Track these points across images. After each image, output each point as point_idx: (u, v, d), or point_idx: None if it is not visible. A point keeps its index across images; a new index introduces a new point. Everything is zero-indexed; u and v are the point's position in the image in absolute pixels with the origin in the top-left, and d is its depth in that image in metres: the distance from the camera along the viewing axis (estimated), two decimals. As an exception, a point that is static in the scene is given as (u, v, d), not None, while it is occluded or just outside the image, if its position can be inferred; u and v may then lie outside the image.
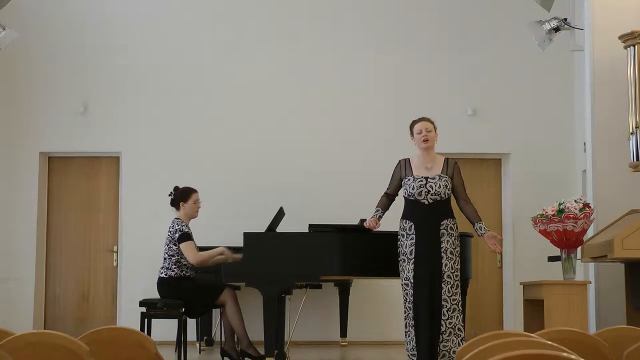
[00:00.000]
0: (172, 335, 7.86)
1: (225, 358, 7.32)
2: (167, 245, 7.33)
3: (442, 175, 6.21)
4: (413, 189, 6.17)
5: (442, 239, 6.11)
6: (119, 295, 10.17)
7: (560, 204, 6.41)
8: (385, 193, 6.41)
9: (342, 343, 9.65)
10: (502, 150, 10.38)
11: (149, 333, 6.91)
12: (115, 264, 10.31)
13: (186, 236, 7.26)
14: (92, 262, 10.35)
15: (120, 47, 10.40)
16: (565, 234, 6.38)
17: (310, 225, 7.04)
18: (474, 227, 6.26)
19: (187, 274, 7.33)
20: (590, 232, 6.88)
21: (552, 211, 6.41)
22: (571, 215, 6.33)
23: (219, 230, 9.50)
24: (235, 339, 7.33)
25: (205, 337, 9.42)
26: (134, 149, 10.29)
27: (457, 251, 6.17)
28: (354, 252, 6.81)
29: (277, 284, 6.77)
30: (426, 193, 6.16)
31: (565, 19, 8.55)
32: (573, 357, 2.34)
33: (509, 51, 10.36)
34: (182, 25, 10.48)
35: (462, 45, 10.38)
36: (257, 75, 10.38)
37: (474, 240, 7.58)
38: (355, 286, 9.82)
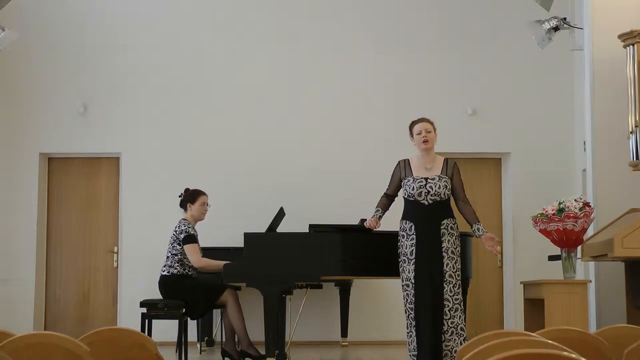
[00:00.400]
0: (173, 336, 7.87)
1: (225, 358, 7.32)
2: (171, 244, 7.34)
3: (441, 175, 6.21)
4: (413, 189, 6.17)
5: (442, 239, 6.11)
6: (119, 295, 10.17)
7: (560, 203, 6.42)
8: (385, 193, 6.41)
9: (343, 343, 9.65)
10: (502, 150, 10.38)
11: (149, 334, 6.91)
12: (115, 264, 10.31)
13: (191, 238, 7.27)
14: (93, 262, 10.35)
15: (120, 48, 10.41)
16: (566, 233, 6.39)
17: (311, 226, 7.04)
18: (471, 228, 6.26)
19: (189, 273, 7.34)
20: (590, 231, 6.89)
21: (552, 210, 6.41)
22: (571, 215, 6.33)
23: (220, 230, 9.50)
24: (236, 339, 7.33)
25: (206, 338, 9.42)
26: (133, 149, 10.30)
27: (458, 251, 6.17)
28: (354, 252, 6.81)
29: (278, 284, 6.77)
30: (426, 193, 6.16)
31: (565, 19, 8.55)
32: (573, 356, 2.34)
33: (508, 51, 10.37)
34: (182, 26, 10.48)
35: (462, 45, 10.38)
36: (257, 75, 10.38)
37: (474, 240, 7.58)
38: (356, 286, 9.82)
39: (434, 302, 6.02)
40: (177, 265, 7.29)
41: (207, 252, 8.14)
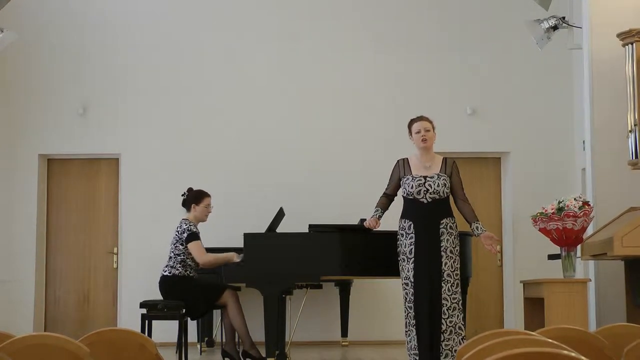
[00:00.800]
0: (173, 337, 7.88)
1: (226, 359, 7.32)
2: (174, 244, 7.34)
3: (440, 174, 6.22)
4: (412, 187, 6.17)
5: (441, 238, 6.12)
6: (119, 296, 10.17)
7: (559, 202, 6.42)
8: (384, 193, 6.41)
9: (343, 343, 9.65)
10: (501, 149, 10.38)
11: (149, 334, 6.91)
12: (115, 265, 10.31)
13: (194, 236, 7.27)
14: (92, 263, 10.35)
15: (120, 48, 10.41)
16: (565, 232, 6.39)
17: (310, 226, 7.04)
18: (470, 226, 6.27)
19: (190, 274, 7.34)
20: (589, 230, 6.89)
21: (552, 209, 6.42)
22: (571, 214, 6.33)
23: (219, 230, 9.50)
24: (237, 340, 7.33)
25: (206, 338, 9.42)
26: (133, 150, 10.30)
27: (457, 250, 6.18)
28: (354, 252, 6.81)
29: (278, 284, 6.77)
30: (425, 192, 6.17)
31: (564, 18, 8.55)
32: (573, 355, 2.34)
33: (508, 50, 10.37)
34: (181, 26, 10.48)
35: (461, 45, 10.38)
36: (257, 75, 10.38)
37: (473, 239, 7.58)
38: (356, 286, 9.82)
39: (432, 301, 6.03)
40: (179, 266, 7.29)
41: (207, 252, 8.15)
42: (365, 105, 10.35)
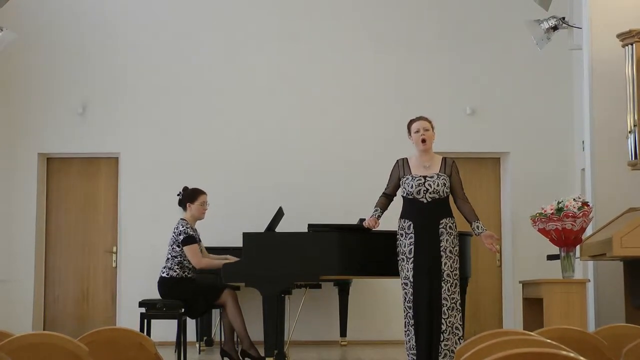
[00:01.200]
0: (172, 336, 7.88)
1: (225, 358, 7.32)
2: (171, 245, 7.33)
3: (440, 173, 6.23)
4: (412, 187, 6.18)
5: (441, 238, 6.12)
6: (118, 295, 10.17)
7: (559, 203, 6.42)
8: (383, 193, 6.41)
9: (342, 343, 9.66)
10: (501, 150, 10.39)
11: (148, 334, 6.91)
12: (114, 264, 10.31)
13: (190, 239, 7.25)
14: (92, 262, 10.35)
15: (120, 48, 10.41)
16: (564, 233, 6.39)
17: (310, 225, 7.04)
18: (471, 226, 6.27)
19: (189, 275, 7.33)
20: (589, 231, 6.89)
21: (551, 210, 6.42)
22: (570, 214, 6.33)
23: (219, 230, 9.50)
24: (236, 339, 7.33)
25: (205, 338, 9.42)
26: (133, 149, 10.29)
27: (457, 250, 6.18)
28: (353, 251, 6.81)
29: (277, 283, 6.77)
30: (425, 191, 6.17)
31: (564, 18, 8.55)
32: (572, 355, 2.34)
33: (507, 50, 10.37)
34: (181, 25, 10.48)
35: (461, 45, 10.38)
36: (257, 75, 10.38)
37: (473, 239, 7.58)
38: (355, 286, 9.82)
39: (432, 301, 6.03)
40: (177, 268, 7.28)
41: (207, 251, 8.15)
42: (364, 105, 10.35)
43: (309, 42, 10.43)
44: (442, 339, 6.01)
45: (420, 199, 6.17)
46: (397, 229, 6.26)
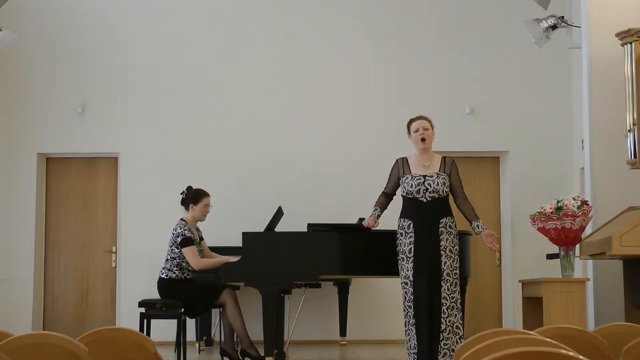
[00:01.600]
0: (172, 336, 7.88)
1: (224, 358, 7.32)
2: (170, 247, 7.31)
3: (439, 173, 6.23)
4: (411, 187, 6.18)
5: (441, 237, 6.12)
6: (118, 295, 10.17)
7: (558, 202, 6.42)
8: (383, 192, 6.41)
9: (342, 342, 9.66)
10: (500, 149, 10.39)
11: (148, 333, 6.91)
12: (114, 264, 10.31)
13: (188, 241, 7.23)
14: (91, 262, 10.35)
15: (119, 47, 10.40)
16: (564, 232, 6.39)
17: (309, 225, 7.04)
18: (471, 225, 6.28)
19: (188, 277, 7.32)
20: (588, 230, 6.89)
21: (551, 209, 6.42)
22: (569, 213, 6.33)
23: (218, 229, 9.49)
24: (236, 339, 7.33)
25: (204, 337, 9.42)
26: (132, 149, 10.29)
27: (456, 249, 6.18)
28: (352, 251, 6.81)
29: (276, 283, 6.77)
30: (424, 191, 6.17)
31: (563, 17, 8.55)
32: (572, 354, 2.34)
33: (506, 49, 10.37)
34: (181, 25, 10.47)
35: (460, 44, 10.38)
36: (256, 75, 10.38)
37: (472, 239, 7.58)
38: (355, 285, 9.83)
39: (432, 300, 6.03)
40: (176, 270, 7.27)
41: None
42: (364, 105, 10.35)
43: (309, 42, 10.43)
44: (442, 339, 6.01)
45: (420, 199, 6.18)
46: (396, 229, 6.26)
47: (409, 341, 6.11)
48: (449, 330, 6.04)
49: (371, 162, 9.94)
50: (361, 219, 6.70)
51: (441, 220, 6.15)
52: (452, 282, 6.09)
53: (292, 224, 8.39)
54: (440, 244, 6.11)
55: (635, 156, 6.44)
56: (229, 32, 10.45)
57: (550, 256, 7.19)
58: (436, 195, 6.18)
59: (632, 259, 6.34)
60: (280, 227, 7.66)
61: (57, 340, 3.31)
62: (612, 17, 7.16)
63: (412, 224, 6.14)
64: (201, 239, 7.49)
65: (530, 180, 10.15)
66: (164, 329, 8.33)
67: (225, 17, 10.49)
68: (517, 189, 10.21)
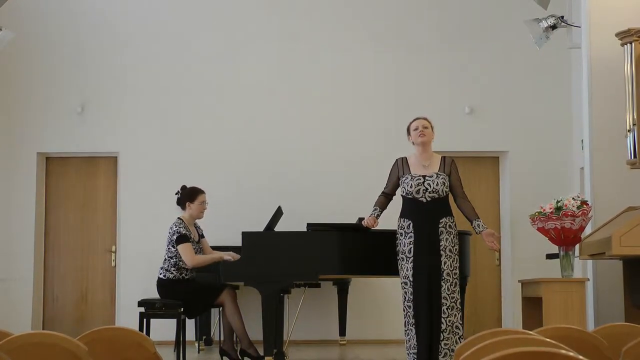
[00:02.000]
0: (171, 335, 7.86)
1: (224, 358, 7.32)
2: (167, 246, 7.32)
3: (439, 173, 6.23)
4: (411, 187, 6.18)
5: (440, 237, 6.12)
6: (117, 295, 10.17)
7: (558, 202, 6.42)
8: (382, 192, 6.41)
9: (341, 342, 9.65)
10: (499, 148, 10.38)
11: (147, 333, 6.91)
12: (113, 264, 10.31)
13: (183, 238, 7.23)
14: (91, 262, 10.35)
15: (119, 47, 10.40)
16: (563, 232, 6.39)
17: (309, 224, 7.04)
18: (471, 224, 6.28)
19: (186, 277, 7.31)
20: (588, 230, 6.89)
21: (550, 209, 6.42)
22: (569, 213, 6.34)
23: (218, 229, 9.48)
24: (235, 339, 7.33)
25: (204, 337, 9.42)
26: (132, 148, 10.29)
27: (456, 249, 6.18)
28: (352, 250, 6.81)
29: (276, 283, 6.77)
30: (424, 191, 6.17)
31: (562, 17, 8.55)
32: (572, 354, 2.34)
33: (506, 49, 10.37)
34: (181, 25, 10.47)
35: (460, 44, 10.38)
36: (256, 75, 10.38)
37: (472, 238, 7.58)
38: (354, 285, 9.83)
39: (432, 300, 6.03)
40: (174, 270, 7.27)
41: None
42: (364, 105, 10.35)
43: (309, 42, 10.43)
44: (442, 339, 6.02)
45: (420, 199, 6.18)
46: (396, 228, 6.26)
47: (409, 341, 6.11)
48: (449, 330, 6.04)
49: (371, 162, 9.94)
50: (360, 219, 6.70)
51: (441, 220, 6.15)
52: (452, 282, 6.09)
53: (292, 223, 8.39)
54: (440, 244, 6.11)
55: (635, 156, 6.44)
56: (229, 32, 10.45)
57: (549, 256, 7.19)
58: (436, 195, 6.18)
59: (632, 259, 6.34)
60: (279, 227, 7.66)
61: (57, 340, 3.30)
62: (612, 17, 7.16)
63: (411, 224, 6.15)
64: (202, 236, 7.49)
65: (530, 180, 10.15)
66: (163, 329, 8.32)
67: (225, 17, 10.49)
68: (517, 189, 10.21)
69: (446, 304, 6.05)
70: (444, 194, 6.22)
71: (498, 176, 10.50)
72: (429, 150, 6.33)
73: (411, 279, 6.09)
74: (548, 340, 3.08)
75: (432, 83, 10.37)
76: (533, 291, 6.57)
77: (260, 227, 7.66)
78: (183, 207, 7.45)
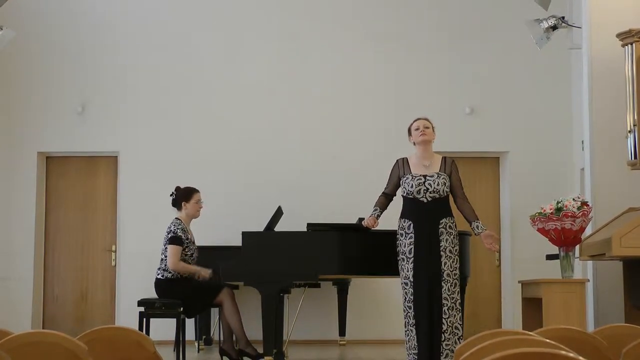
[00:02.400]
0: (171, 335, 7.86)
1: (224, 357, 7.32)
2: (164, 246, 7.33)
3: (440, 173, 6.23)
4: (412, 187, 6.18)
5: (441, 238, 6.12)
6: (117, 294, 10.17)
7: (558, 202, 6.41)
8: (383, 192, 6.41)
9: (341, 342, 9.65)
10: (500, 149, 10.38)
11: (147, 332, 6.91)
12: (113, 263, 10.31)
13: (176, 240, 7.23)
14: (91, 261, 10.35)
15: (119, 47, 10.40)
16: (564, 232, 6.38)
17: (309, 224, 7.04)
18: (470, 225, 6.28)
19: (183, 275, 7.31)
20: (588, 231, 6.88)
21: (550, 209, 6.41)
22: (569, 214, 6.33)
23: (218, 229, 9.51)
24: (234, 338, 7.33)
25: (204, 337, 9.43)
26: (132, 148, 10.29)
27: (456, 250, 6.18)
28: (352, 251, 6.81)
29: (276, 283, 6.77)
30: (425, 191, 6.17)
31: (563, 17, 8.55)
32: (572, 355, 2.34)
33: (507, 50, 10.37)
34: (181, 25, 10.47)
35: (460, 45, 10.38)
36: (256, 74, 10.38)
37: (472, 239, 7.58)
38: (354, 285, 9.82)
39: (432, 300, 6.03)
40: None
41: (205, 251, 8.16)
42: (364, 105, 10.35)
43: (309, 42, 10.43)
44: (442, 339, 6.01)
45: (420, 199, 6.17)
46: (396, 229, 6.26)
47: (409, 341, 6.11)
48: (449, 330, 6.04)
49: (371, 162, 9.94)
50: (361, 219, 6.70)
51: (441, 221, 6.15)
52: (452, 282, 6.09)
53: (292, 223, 8.38)
54: (440, 244, 6.11)
55: (635, 157, 6.43)
56: (229, 32, 10.45)
57: (550, 257, 7.18)
58: (436, 196, 6.18)
59: (632, 260, 6.33)
60: (279, 227, 7.66)
61: (57, 339, 3.30)
62: (613, 18, 7.15)
63: (412, 225, 6.14)
64: (192, 242, 7.49)
65: (530, 180, 10.15)
66: (163, 328, 8.32)
67: (225, 17, 10.48)
68: (517, 190, 10.20)
69: (446, 304, 6.05)
70: (445, 194, 6.22)
71: (498, 176, 10.50)
72: (430, 150, 6.33)
73: (411, 280, 6.09)
74: (548, 341, 3.08)
75: (432, 83, 10.36)
76: (533, 292, 6.57)
77: (260, 227, 7.66)
78: (179, 208, 7.48)
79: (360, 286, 9.97)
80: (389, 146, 9.52)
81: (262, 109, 10.33)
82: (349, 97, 10.36)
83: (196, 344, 9.08)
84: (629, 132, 6.48)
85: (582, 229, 6.47)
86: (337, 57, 10.41)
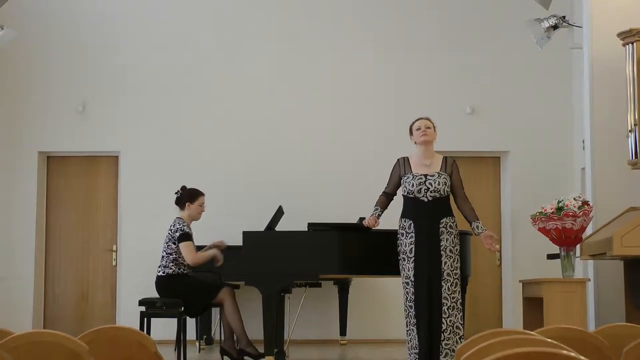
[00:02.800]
0: (172, 334, 7.87)
1: (224, 357, 7.32)
2: (167, 243, 7.33)
3: (441, 172, 6.23)
4: (413, 186, 6.18)
5: (441, 237, 6.12)
6: (118, 294, 10.17)
7: (559, 202, 6.42)
8: (383, 192, 6.41)
9: (342, 342, 9.66)
10: (501, 149, 10.38)
11: (148, 332, 6.91)
12: (114, 263, 10.31)
13: (186, 236, 7.26)
14: (91, 261, 10.35)
15: (119, 47, 10.40)
16: (564, 232, 6.39)
17: (309, 224, 7.04)
18: (470, 225, 6.28)
19: (185, 272, 7.33)
20: (589, 230, 6.88)
21: (551, 209, 6.41)
22: (570, 213, 6.33)
23: (219, 229, 9.48)
24: (235, 338, 7.33)
25: (204, 336, 9.43)
26: (132, 148, 10.29)
27: (457, 249, 6.18)
28: (353, 250, 6.81)
29: (277, 282, 6.77)
30: (425, 190, 6.17)
31: (564, 17, 8.54)
32: (572, 354, 2.34)
33: (507, 49, 10.37)
34: (182, 25, 10.47)
35: (461, 44, 10.38)
36: (256, 75, 10.38)
37: (473, 239, 7.58)
38: (355, 285, 9.82)
39: (433, 300, 6.03)
40: (172, 265, 7.28)
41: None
42: (364, 105, 10.35)
43: (309, 42, 10.43)
44: (443, 339, 6.01)
45: (421, 198, 6.17)
46: (397, 228, 6.26)
47: (410, 341, 6.11)
48: (450, 330, 6.04)
49: (371, 162, 9.94)
50: (361, 219, 6.70)
51: (442, 220, 6.15)
52: (453, 282, 6.09)
53: (293, 223, 8.38)
54: (441, 244, 6.11)
55: (636, 156, 6.44)
56: (229, 32, 10.45)
57: (550, 256, 7.19)
58: (437, 195, 6.18)
59: (633, 259, 6.34)
60: (280, 227, 7.65)
61: (58, 339, 3.30)
62: (614, 17, 7.15)
63: (413, 224, 6.14)
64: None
65: (530, 180, 10.15)
66: (164, 328, 8.33)
67: (225, 17, 10.48)
68: (518, 189, 10.20)
69: (447, 304, 6.05)
70: (445, 194, 6.22)
71: (499, 176, 10.50)
72: (431, 150, 6.33)
73: (412, 279, 6.09)
74: (549, 340, 3.08)
75: (432, 83, 10.36)
76: (534, 291, 6.57)
77: (261, 226, 7.65)
78: (182, 207, 7.49)
79: (361, 286, 9.97)
80: (389, 146, 9.52)
81: (262, 109, 10.33)
82: (349, 97, 10.36)
83: (197, 344, 9.08)
84: (630, 131, 6.48)
85: (583, 229, 6.47)
86: (337, 57, 10.41)
